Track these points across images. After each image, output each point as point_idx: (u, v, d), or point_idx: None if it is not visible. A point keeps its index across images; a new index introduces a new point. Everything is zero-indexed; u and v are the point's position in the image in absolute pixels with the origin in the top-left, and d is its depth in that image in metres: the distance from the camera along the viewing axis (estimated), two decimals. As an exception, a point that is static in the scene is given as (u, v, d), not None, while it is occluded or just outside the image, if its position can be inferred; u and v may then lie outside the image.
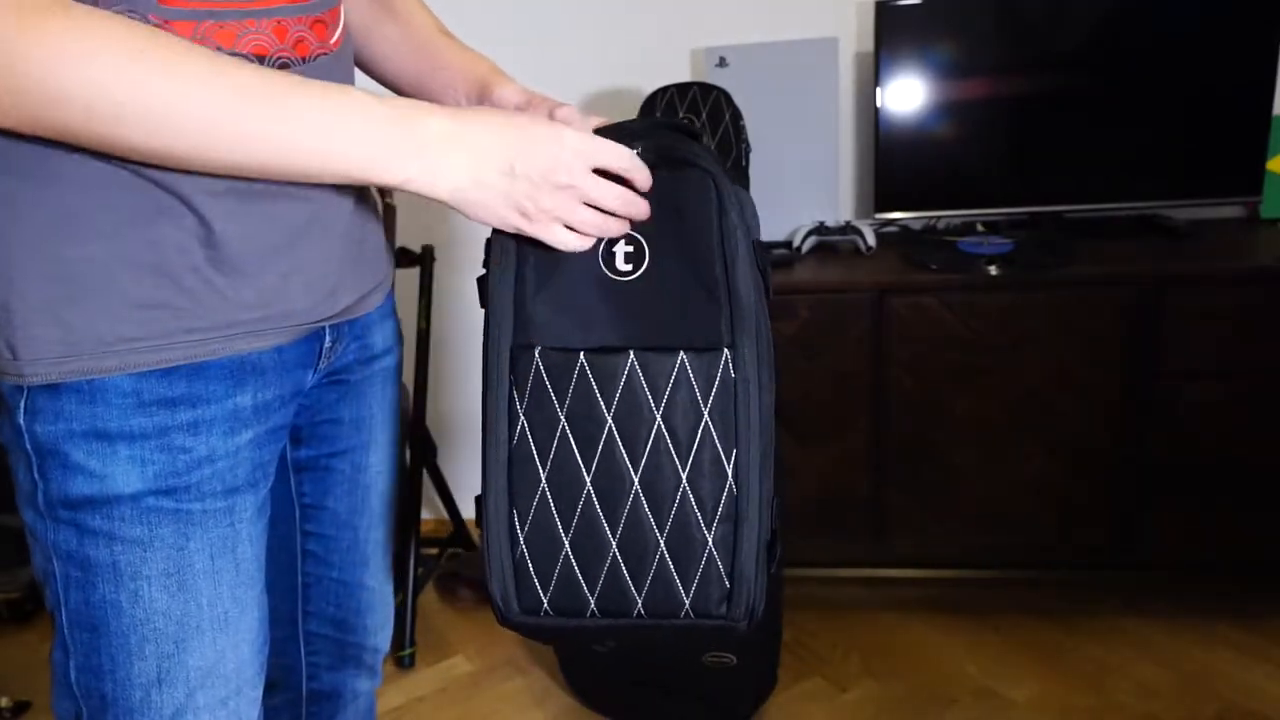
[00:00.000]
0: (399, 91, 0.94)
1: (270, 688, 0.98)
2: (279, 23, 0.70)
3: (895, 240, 2.02)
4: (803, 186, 2.02)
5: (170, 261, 0.67)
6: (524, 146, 0.68)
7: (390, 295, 0.93)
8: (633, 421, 0.71)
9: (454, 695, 1.82)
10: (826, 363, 1.81)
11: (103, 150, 0.61)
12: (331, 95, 0.65)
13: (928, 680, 1.76)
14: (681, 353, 0.71)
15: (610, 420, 0.71)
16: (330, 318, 0.79)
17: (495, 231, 0.73)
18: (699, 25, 2.09)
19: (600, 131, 0.75)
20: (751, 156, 1.91)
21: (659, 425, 0.71)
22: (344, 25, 0.79)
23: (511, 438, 0.72)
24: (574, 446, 0.72)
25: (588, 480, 0.72)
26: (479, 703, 1.79)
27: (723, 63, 1.97)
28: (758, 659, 1.65)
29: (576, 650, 1.72)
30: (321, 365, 0.82)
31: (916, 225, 2.06)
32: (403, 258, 1.99)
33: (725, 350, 0.71)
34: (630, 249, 0.72)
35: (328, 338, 0.81)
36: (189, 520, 0.72)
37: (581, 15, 2.12)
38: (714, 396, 0.71)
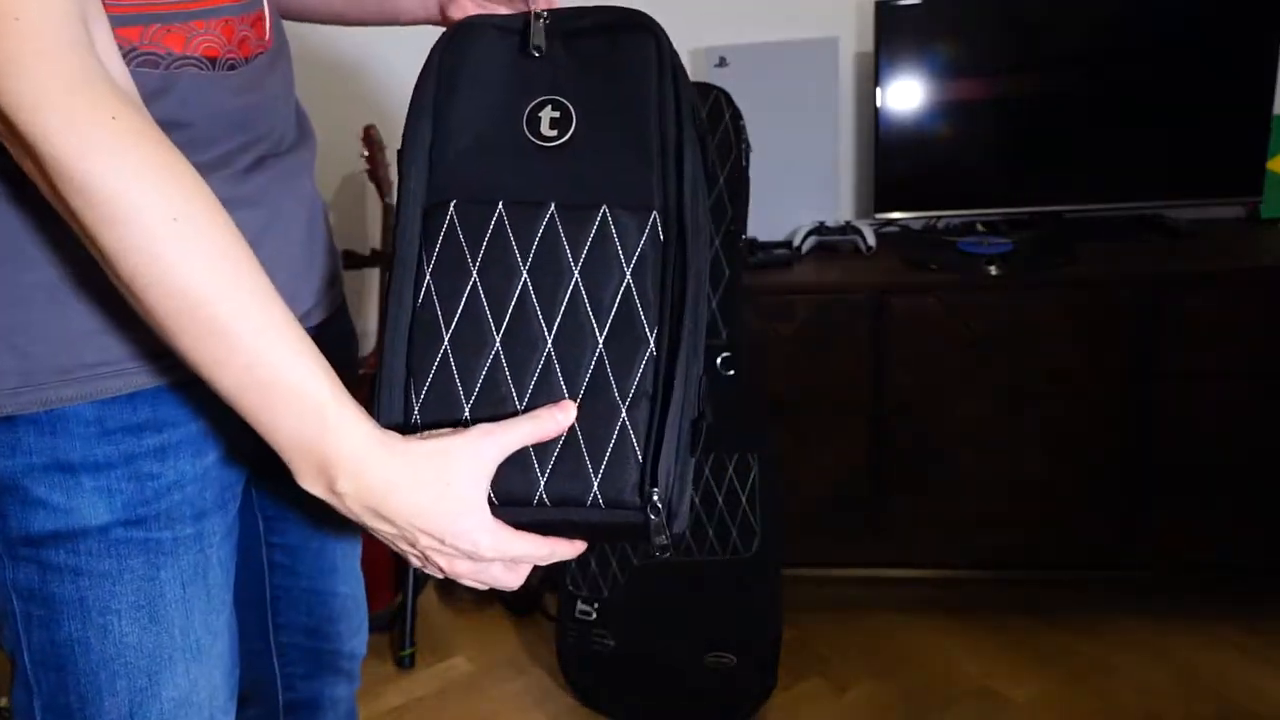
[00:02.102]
0: (358, 12, 0.90)
1: (243, 702, 0.96)
2: (226, 22, 0.68)
3: (895, 240, 2.02)
4: (803, 186, 2.02)
5: None
6: (438, 528, 0.62)
7: (343, 296, 0.90)
8: (550, 278, 0.65)
9: (454, 695, 1.82)
10: (826, 363, 1.80)
11: (73, 228, 0.57)
12: (291, 366, 0.59)
13: (928, 680, 1.76)
14: (605, 207, 0.66)
15: (525, 275, 0.65)
16: None
17: (410, 112, 0.69)
18: (699, 25, 2.09)
19: None
20: (751, 156, 1.91)
21: (577, 282, 0.65)
22: (271, 19, 0.76)
23: (416, 299, 0.66)
24: (484, 304, 0.66)
25: (496, 341, 0.65)
26: (479, 703, 1.79)
27: (723, 63, 1.97)
28: (758, 659, 1.65)
29: (577, 650, 1.72)
30: None
31: (916, 225, 2.06)
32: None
33: (654, 211, 0.66)
34: (556, 114, 0.68)
35: None
36: (159, 549, 0.69)
37: (581, 15, 2.11)
38: (637, 257, 0.65)
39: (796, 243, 1.95)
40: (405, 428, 0.66)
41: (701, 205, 0.68)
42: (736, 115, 1.61)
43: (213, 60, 0.66)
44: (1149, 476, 1.77)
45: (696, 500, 1.64)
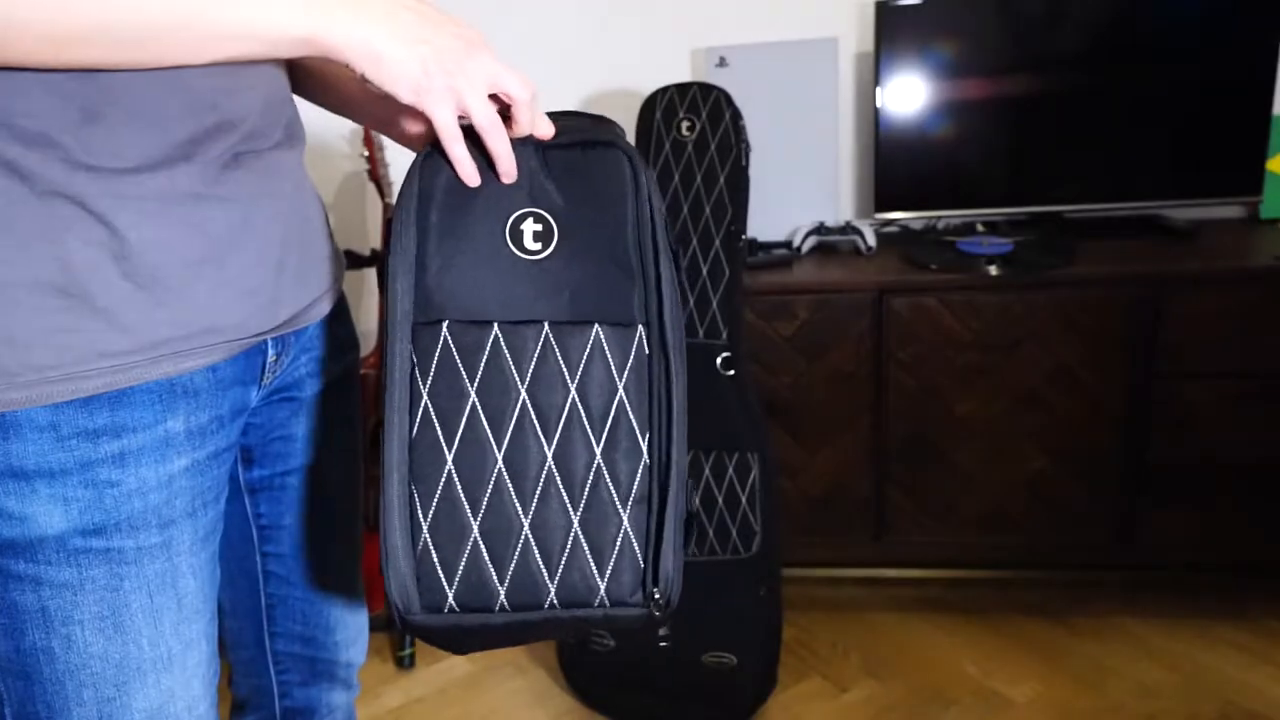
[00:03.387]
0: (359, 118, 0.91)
1: (242, 708, 0.97)
2: None
3: (895, 240, 2.02)
4: (803, 186, 2.02)
5: (80, 280, 0.61)
6: (441, 24, 0.68)
7: (341, 298, 0.88)
8: (547, 396, 0.68)
9: (454, 695, 1.82)
10: (826, 363, 1.81)
11: None
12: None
13: (928, 680, 1.76)
14: (597, 325, 0.69)
15: (524, 394, 0.68)
16: (271, 330, 0.74)
17: (395, 224, 0.70)
18: (699, 25, 2.09)
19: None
20: (751, 156, 1.91)
21: (573, 399, 0.68)
22: None
23: (413, 422, 0.68)
24: (484, 423, 0.68)
25: (499, 458, 0.68)
26: (479, 703, 1.79)
27: (723, 63, 1.97)
28: (758, 659, 1.65)
29: (577, 650, 1.72)
30: (267, 381, 0.78)
31: (916, 225, 2.06)
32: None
33: (640, 327, 0.70)
34: (539, 227, 0.70)
35: (270, 351, 0.76)
36: (122, 559, 0.67)
37: (582, 15, 2.12)
38: (629, 371, 0.69)
39: (796, 243, 1.95)
40: (414, 548, 0.68)
41: (680, 318, 0.71)
42: (736, 115, 1.61)
43: None
44: (1149, 476, 1.77)
45: (697, 500, 1.64)
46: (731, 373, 1.60)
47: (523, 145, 0.70)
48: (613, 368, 0.69)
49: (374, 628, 1.95)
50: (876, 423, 1.83)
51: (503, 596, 0.67)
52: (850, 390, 1.81)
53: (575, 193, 0.71)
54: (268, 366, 0.77)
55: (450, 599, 0.67)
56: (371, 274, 2.28)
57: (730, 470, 1.62)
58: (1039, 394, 1.77)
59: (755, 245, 1.98)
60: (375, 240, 2.24)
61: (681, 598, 1.65)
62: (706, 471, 1.63)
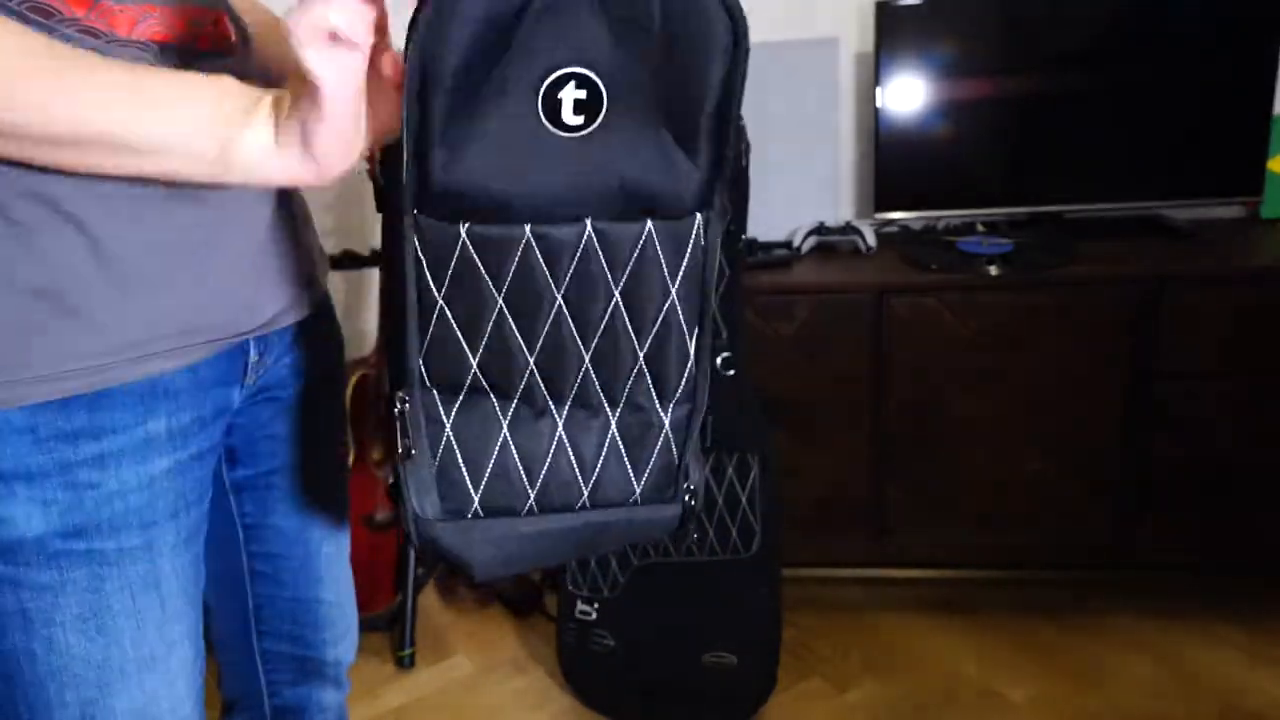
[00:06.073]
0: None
1: (231, 707, 0.97)
2: (183, 10, 0.64)
3: (895, 240, 2.02)
4: (803, 186, 2.02)
5: (55, 281, 0.61)
6: None
7: (325, 296, 0.88)
8: (586, 302, 0.59)
9: (454, 695, 1.82)
10: (826, 363, 1.80)
11: None
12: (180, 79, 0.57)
13: (928, 680, 1.76)
14: (649, 222, 0.58)
15: (559, 301, 0.59)
16: (252, 330, 0.73)
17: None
18: (699, 25, 2.09)
19: None
20: (751, 156, 1.91)
21: (616, 303, 0.60)
22: (236, 24, 0.72)
23: (426, 326, 0.59)
24: (513, 326, 0.59)
25: (530, 362, 0.60)
26: (479, 703, 1.79)
27: (723, 63, 1.97)
28: (758, 659, 1.65)
29: (577, 650, 1.72)
30: (250, 381, 0.77)
31: (916, 225, 2.06)
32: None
33: (697, 215, 0.59)
34: (581, 94, 0.55)
35: (253, 351, 0.76)
36: (103, 560, 0.66)
37: (581, 15, 2.11)
38: (683, 273, 0.60)
39: (796, 243, 1.95)
40: (434, 453, 0.62)
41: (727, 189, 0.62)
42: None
43: (161, 45, 0.63)
44: (1149, 476, 1.77)
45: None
46: (731, 373, 1.60)
47: None
48: (665, 270, 0.59)
49: (374, 628, 1.95)
50: (876, 423, 1.83)
51: (532, 499, 0.62)
52: (850, 390, 1.81)
53: (638, 41, 0.54)
54: (250, 367, 0.76)
55: (476, 503, 0.62)
56: (372, 274, 2.28)
57: (730, 470, 1.62)
58: (1039, 394, 1.77)
59: (755, 245, 1.98)
60: (376, 240, 2.24)
61: (681, 598, 1.65)
62: (707, 472, 1.63)
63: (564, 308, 0.59)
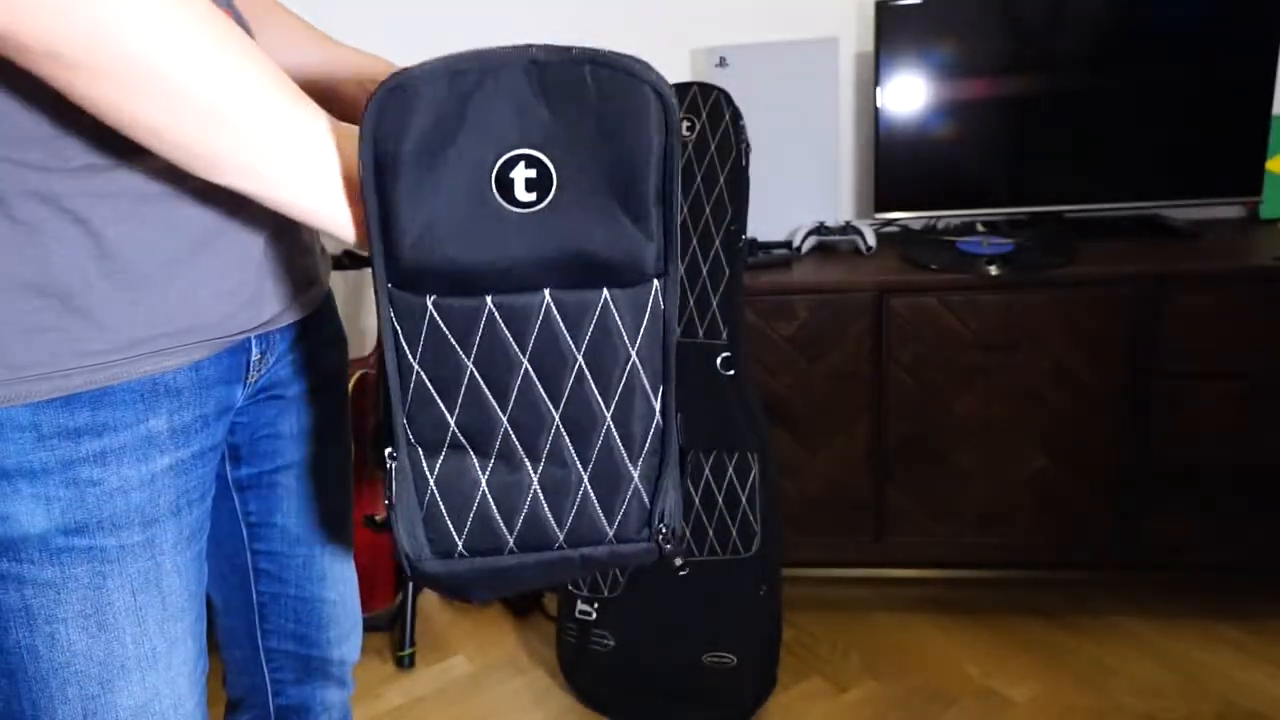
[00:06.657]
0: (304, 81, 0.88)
1: (236, 706, 0.97)
2: None
3: (895, 240, 2.02)
4: (803, 186, 2.02)
5: (59, 279, 0.61)
6: None
7: (328, 296, 0.88)
8: (552, 366, 0.63)
9: (454, 695, 1.82)
10: (826, 363, 1.81)
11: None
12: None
13: (928, 680, 1.76)
14: (606, 291, 0.61)
15: (526, 365, 0.63)
16: (254, 328, 0.73)
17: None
18: (699, 25, 2.09)
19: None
20: (751, 156, 1.91)
21: (580, 367, 0.63)
22: (235, 14, 0.72)
23: (406, 389, 0.63)
24: (486, 393, 0.63)
25: (504, 420, 0.64)
26: (479, 703, 1.79)
27: (723, 63, 1.97)
28: (758, 659, 1.65)
29: (577, 650, 1.72)
30: (252, 379, 0.77)
31: (916, 225, 2.06)
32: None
33: (655, 281, 0.62)
34: (531, 173, 0.58)
35: (255, 349, 0.76)
36: (104, 558, 0.67)
37: (582, 15, 2.12)
38: (643, 333, 0.63)
39: (796, 243, 1.95)
40: (420, 503, 0.66)
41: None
42: (736, 115, 1.61)
43: None
44: (1149, 476, 1.77)
45: (697, 500, 1.64)
46: (731, 373, 1.60)
47: (513, 58, 0.56)
48: (624, 334, 0.63)
49: (374, 628, 1.95)
50: (876, 423, 1.83)
51: (511, 542, 0.66)
52: (850, 390, 1.81)
53: (580, 122, 0.57)
54: (252, 365, 0.76)
55: (460, 545, 0.66)
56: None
57: (730, 470, 1.62)
58: (1039, 394, 1.77)
59: (755, 245, 1.98)
60: (375, 240, 2.24)
61: (681, 598, 1.65)
62: (706, 471, 1.63)
63: (531, 372, 0.63)
